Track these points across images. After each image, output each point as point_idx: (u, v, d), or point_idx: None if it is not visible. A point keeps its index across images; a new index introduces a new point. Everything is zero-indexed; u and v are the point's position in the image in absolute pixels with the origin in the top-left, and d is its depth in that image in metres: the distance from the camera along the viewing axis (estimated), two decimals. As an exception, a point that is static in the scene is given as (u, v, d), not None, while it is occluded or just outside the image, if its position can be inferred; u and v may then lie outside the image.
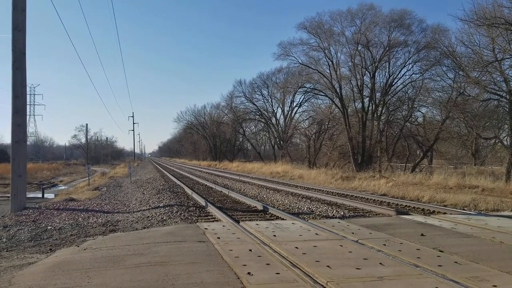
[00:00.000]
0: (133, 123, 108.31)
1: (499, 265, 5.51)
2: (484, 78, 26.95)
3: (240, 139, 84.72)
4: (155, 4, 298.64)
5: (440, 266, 5.45)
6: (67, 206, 15.58)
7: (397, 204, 15.24)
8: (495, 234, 7.78)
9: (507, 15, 23.54)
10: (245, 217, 12.10)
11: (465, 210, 13.54)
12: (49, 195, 27.29)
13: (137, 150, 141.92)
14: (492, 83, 26.95)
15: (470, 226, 8.66)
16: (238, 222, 9.97)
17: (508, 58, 25.39)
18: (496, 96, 27.45)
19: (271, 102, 68.08)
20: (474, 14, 25.26)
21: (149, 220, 11.81)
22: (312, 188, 22.56)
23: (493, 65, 25.59)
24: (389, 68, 39.28)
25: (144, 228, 10.37)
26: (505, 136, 30.71)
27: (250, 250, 6.41)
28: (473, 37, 27.46)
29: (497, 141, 32.40)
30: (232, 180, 30.20)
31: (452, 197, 16.21)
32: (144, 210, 14.26)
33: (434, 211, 13.00)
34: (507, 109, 27.44)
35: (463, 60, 28.91)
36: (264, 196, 18.67)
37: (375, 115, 39.58)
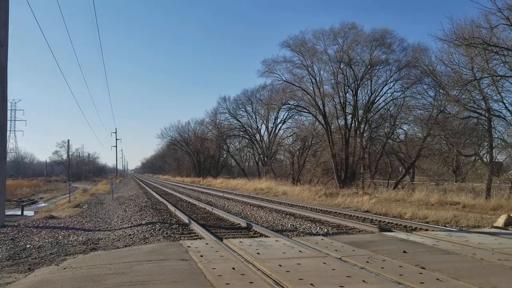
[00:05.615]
0: (116, 139, 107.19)
1: (480, 281, 5.57)
2: (464, 96, 27.55)
3: (224, 156, 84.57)
4: (140, 17, 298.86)
5: (422, 283, 5.49)
6: (47, 224, 15.26)
7: (380, 221, 15.32)
8: (475, 250, 7.88)
9: (484, 35, 24.23)
10: (228, 235, 12.02)
11: (446, 226, 13.67)
12: (28, 213, 26.72)
13: (119, 167, 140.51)
14: (472, 101, 27.55)
15: (451, 243, 8.75)
16: (221, 239, 9.90)
17: (487, 77, 26.04)
18: (476, 114, 28.04)
19: (255, 118, 68.40)
20: (453, 34, 25.96)
21: (131, 238, 11.63)
22: (296, 205, 22.55)
23: (472, 84, 26.21)
24: (371, 86, 39.91)
25: (126, 246, 10.21)
26: (484, 153, 31.29)
27: (234, 268, 6.37)
28: (452, 56, 28.18)
29: (477, 158, 32.97)
30: (216, 197, 30.03)
31: (434, 214, 16.37)
32: (126, 227, 14.05)
33: (416, 228, 13.10)
34: (486, 127, 28.01)
35: (443, 79, 29.54)
36: (248, 213, 18.59)
37: (357, 132, 39.98)
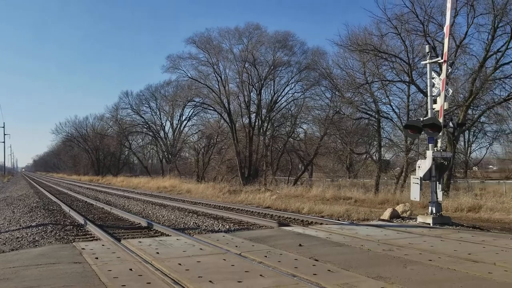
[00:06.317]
0: (4, 135, 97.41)
1: (367, 271, 6.03)
2: (357, 98, 29.66)
3: (126, 153, 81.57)
4: (31, 4, 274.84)
5: (315, 274, 5.80)
6: None
7: (279, 216, 15.85)
8: (364, 242, 8.51)
9: (376, 43, 26.31)
10: (127, 235, 11.62)
11: (339, 220, 14.55)
12: None
13: (8, 164, 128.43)
14: (364, 103, 29.76)
15: (343, 236, 9.36)
16: (119, 240, 9.55)
17: (377, 81, 28.29)
18: (367, 115, 30.36)
19: (160, 115, 66.91)
20: (348, 40, 27.85)
21: (18, 241, 10.75)
22: (199, 203, 22.50)
23: (364, 87, 28.29)
24: (274, 86, 41.37)
25: (13, 250, 9.43)
26: (374, 152, 34.02)
27: (131, 269, 6.19)
28: (347, 61, 30.23)
29: (367, 156, 35.73)
30: (116, 196, 28.85)
31: (328, 208, 17.33)
32: (13, 230, 12.94)
33: (312, 222, 13.76)
34: (376, 127, 30.44)
35: (338, 82, 31.55)
36: (150, 212, 18.15)
37: (261, 131, 41.12)
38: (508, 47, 22.73)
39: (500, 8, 22.09)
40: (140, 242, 8.68)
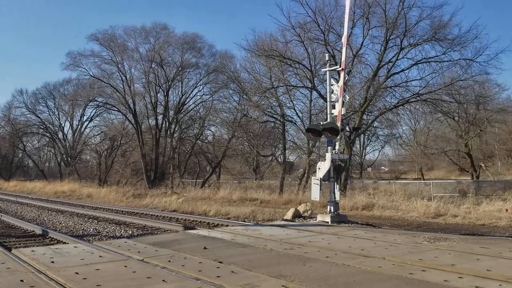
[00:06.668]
0: None
1: (268, 270, 6.22)
2: (263, 102, 30.52)
3: (20, 155, 75.22)
4: None
5: (219, 277, 5.86)
6: None
7: (185, 220, 15.74)
8: (267, 242, 8.76)
9: (281, 49, 27.24)
10: (19, 244, 10.78)
11: (245, 221, 14.82)
12: None
13: None
14: (270, 107, 30.70)
15: (247, 236, 9.55)
16: (10, 249, 8.83)
17: (282, 86, 29.33)
18: (273, 118, 31.38)
19: (58, 115, 62.81)
20: (255, 45, 28.55)
21: None
22: (101, 208, 21.52)
23: (270, 92, 29.18)
24: (182, 88, 40.95)
25: None
26: (279, 154, 35.20)
27: (22, 280, 5.76)
28: (254, 65, 31.05)
29: (273, 158, 36.88)
30: (7, 202, 26.57)
31: (235, 210, 17.57)
32: None
33: (218, 224, 13.85)
34: (281, 130, 31.54)
35: (246, 85, 32.20)
36: (45, 219, 16.99)
37: (168, 133, 40.44)
38: (398, 58, 25.03)
39: (392, 22, 24.15)
40: (33, 251, 8.11)
